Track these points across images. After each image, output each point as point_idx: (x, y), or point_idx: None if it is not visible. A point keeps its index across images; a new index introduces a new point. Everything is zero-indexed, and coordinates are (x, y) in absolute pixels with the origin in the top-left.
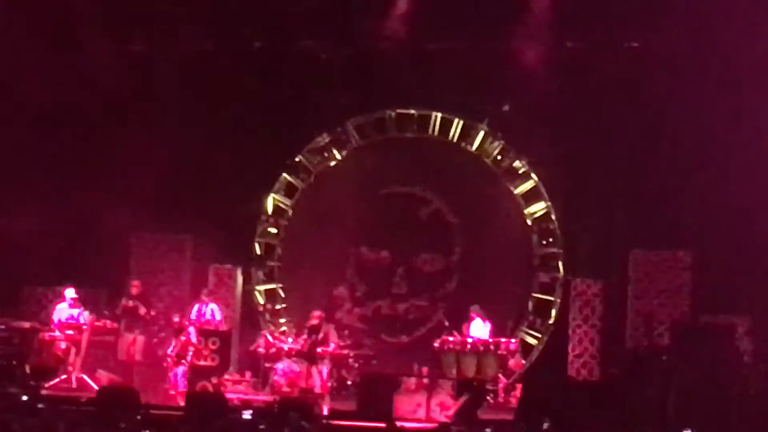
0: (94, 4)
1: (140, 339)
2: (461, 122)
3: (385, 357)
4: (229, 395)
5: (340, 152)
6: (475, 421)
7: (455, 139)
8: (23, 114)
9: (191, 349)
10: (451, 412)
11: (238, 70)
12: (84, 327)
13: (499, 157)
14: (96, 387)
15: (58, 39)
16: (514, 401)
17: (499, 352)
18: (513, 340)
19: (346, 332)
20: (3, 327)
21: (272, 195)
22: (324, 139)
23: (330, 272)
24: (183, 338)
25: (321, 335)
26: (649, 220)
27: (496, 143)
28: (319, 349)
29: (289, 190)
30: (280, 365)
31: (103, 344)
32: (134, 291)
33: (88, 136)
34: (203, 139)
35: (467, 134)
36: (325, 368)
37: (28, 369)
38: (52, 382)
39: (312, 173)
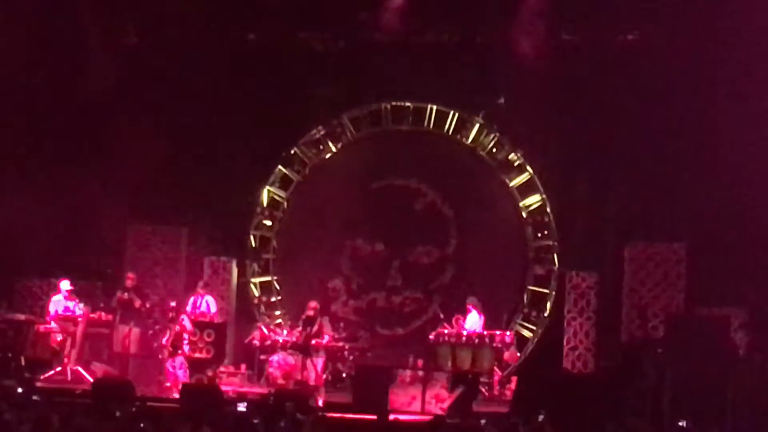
0: None
1: (135, 331)
2: (456, 115)
3: (380, 349)
4: (224, 387)
5: (335, 145)
6: (470, 414)
7: (450, 132)
8: (18, 106)
9: (186, 336)
10: (446, 405)
11: (233, 62)
12: (79, 319)
13: (494, 150)
14: (91, 379)
15: (53, 32)
16: (509, 394)
17: (494, 344)
18: (508, 333)
19: (341, 325)
20: None
21: (267, 187)
22: (319, 131)
23: (325, 265)
24: (177, 327)
25: (316, 327)
26: (644, 212)
27: (491, 136)
28: (314, 342)
29: (284, 183)
30: (275, 357)
31: (98, 336)
32: (129, 283)
33: (84, 128)
34: (198, 132)
35: (462, 127)
36: (320, 360)
37: (23, 361)
38: (47, 375)
39: (307, 166)
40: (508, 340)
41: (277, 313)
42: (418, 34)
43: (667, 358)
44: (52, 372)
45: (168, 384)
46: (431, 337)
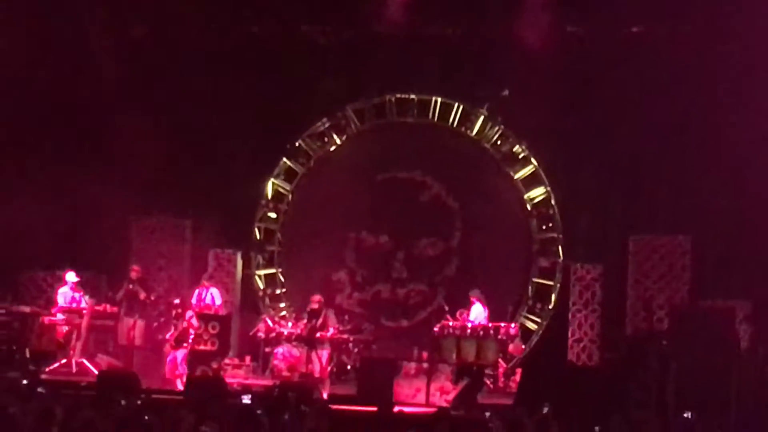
0: None
1: (140, 323)
2: (461, 107)
3: (385, 341)
4: (228, 379)
5: (339, 137)
6: (474, 406)
7: (455, 124)
8: (21, 99)
9: (192, 331)
10: (450, 397)
11: (236, 55)
12: (84, 311)
13: (498, 142)
14: (96, 371)
15: (57, 24)
16: (513, 386)
17: (499, 336)
18: (513, 325)
19: (346, 317)
20: (3, 311)
21: (272, 180)
22: (324, 124)
23: (329, 257)
24: (184, 324)
25: (321, 320)
26: (648, 204)
27: (495, 128)
28: (318, 334)
29: (289, 175)
30: (279, 350)
31: (103, 329)
32: (134, 275)
33: (88, 121)
34: (203, 124)
35: (467, 119)
36: (324, 353)
37: (27, 353)
38: (52, 367)
39: (312, 158)
40: (512, 332)
41: (282, 305)
42: (423, 26)
43: (672, 350)
44: (57, 364)
45: (169, 376)
46: (436, 329)
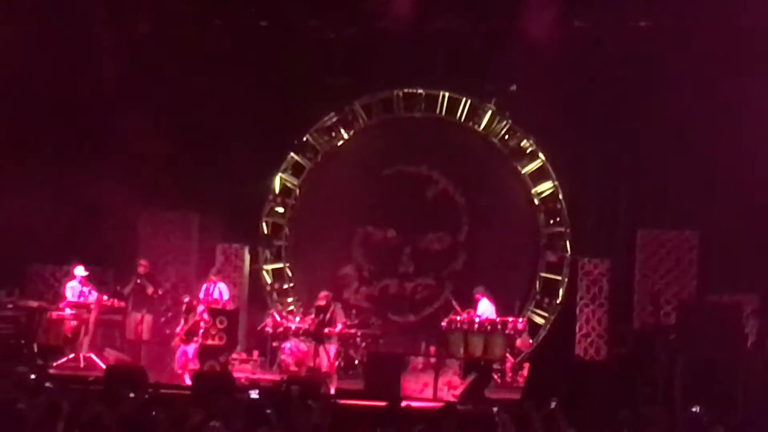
0: None
1: (148, 318)
2: (468, 102)
3: (393, 336)
4: (236, 374)
5: (347, 132)
6: (482, 400)
7: (462, 119)
8: (27, 98)
9: (202, 325)
10: (458, 392)
11: (244, 50)
12: (92, 306)
13: (506, 137)
14: (104, 366)
15: (60, 23)
16: (521, 380)
17: (507, 331)
18: (520, 320)
19: (354, 312)
20: (11, 306)
21: (279, 174)
22: (331, 118)
23: (337, 251)
24: (197, 318)
25: (328, 315)
26: (656, 199)
27: (503, 123)
28: (326, 329)
29: (297, 170)
30: (287, 344)
31: (110, 323)
32: (142, 270)
33: (95, 114)
34: (210, 118)
35: (474, 114)
36: (332, 347)
37: (35, 348)
38: (60, 361)
39: (319, 153)
40: (520, 326)
41: (290, 299)
42: (430, 20)
43: (679, 344)
44: (64, 359)
45: (179, 371)
46: (443, 323)
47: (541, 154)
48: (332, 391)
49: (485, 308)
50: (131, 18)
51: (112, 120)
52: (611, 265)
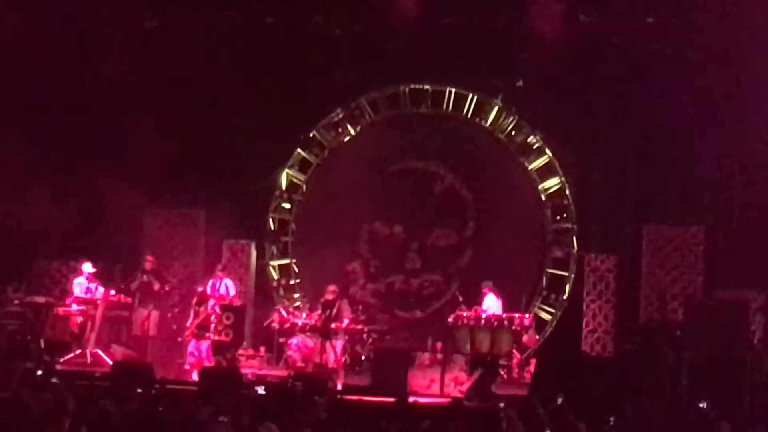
0: None
1: (154, 314)
2: (475, 97)
3: (399, 332)
4: (243, 370)
5: (353, 128)
6: (489, 396)
7: (469, 115)
8: (35, 90)
9: (213, 318)
10: (465, 387)
11: (251, 45)
12: (98, 302)
13: (512, 133)
14: (110, 362)
15: (69, 17)
16: (527, 376)
17: (513, 327)
18: (527, 316)
19: (360, 307)
20: (17, 302)
21: (286, 170)
22: (338, 114)
23: (343, 247)
24: (208, 311)
25: (335, 310)
26: (662, 195)
27: (510, 119)
28: (332, 325)
29: (303, 166)
30: (294, 340)
31: (117, 319)
32: (148, 266)
33: (102, 110)
34: (217, 114)
35: (481, 110)
36: (339, 343)
37: (42, 344)
38: (66, 357)
39: (326, 149)
40: (527, 322)
41: (296, 295)
42: (437, 16)
43: (686, 340)
44: (71, 355)
45: (187, 367)
46: (450, 319)
47: (547, 150)
48: (339, 387)
49: (491, 303)
50: (137, 14)
51: (119, 116)
52: (618, 261)
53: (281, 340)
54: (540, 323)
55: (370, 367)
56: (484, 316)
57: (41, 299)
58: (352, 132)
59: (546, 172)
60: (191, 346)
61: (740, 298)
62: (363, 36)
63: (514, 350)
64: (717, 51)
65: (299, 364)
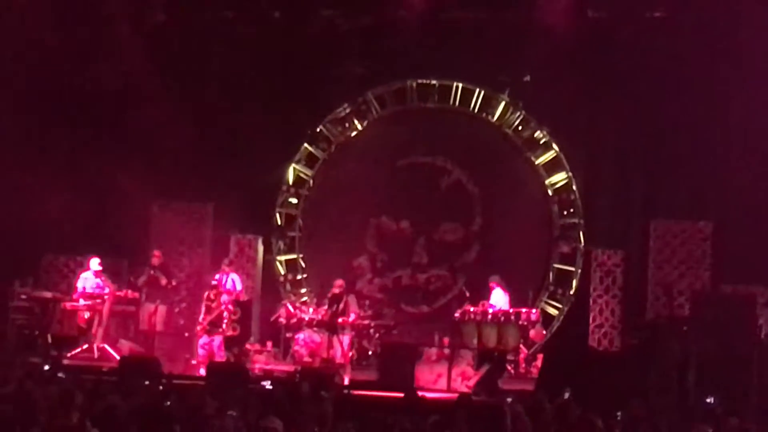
0: None
1: (161, 309)
2: (482, 92)
3: (406, 327)
4: (249, 365)
5: (360, 122)
6: (496, 391)
7: (476, 110)
8: (44, 84)
9: (225, 315)
10: (472, 382)
11: (258, 40)
12: (106, 297)
13: (519, 128)
14: (118, 357)
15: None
16: (534, 371)
17: (520, 322)
18: (534, 311)
19: (367, 302)
20: (25, 297)
21: (293, 165)
22: (345, 109)
23: (350, 242)
24: (221, 308)
25: (341, 305)
26: (669, 190)
27: (517, 113)
28: (339, 319)
29: (310, 161)
30: (300, 335)
31: (124, 314)
32: (155, 261)
33: (110, 105)
34: (224, 110)
35: (488, 104)
36: (346, 338)
37: (49, 339)
38: (73, 352)
39: (333, 143)
40: (533, 317)
41: (303, 290)
42: (444, 11)
43: (693, 335)
44: (78, 349)
45: (194, 362)
46: (457, 314)
47: (554, 145)
48: (346, 382)
49: (498, 298)
50: (147, 8)
51: (127, 110)
52: (625, 256)
53: (288, 335)
54: (547, 318)
55: (377, 362)
56: (491, 311)
57: (48, 294)
58: (359, 127)
59: (553, 167)
60: (202, 341)
61: (747, 293)
62: (370, 31)
63: (521, 345)
64: (725, 46)
65: (306, 359)
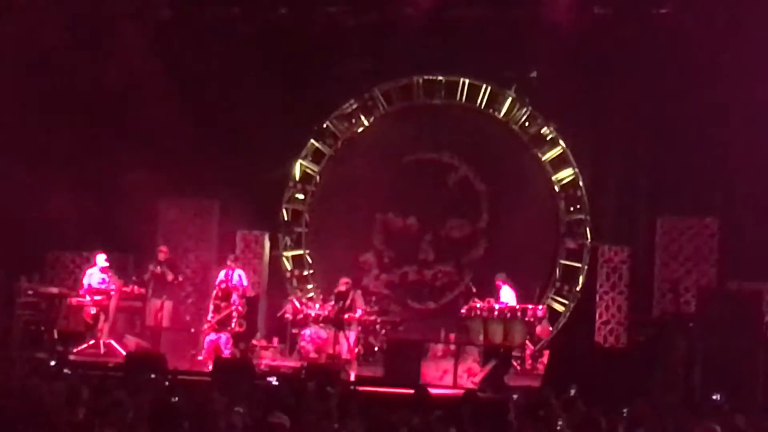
0: None
1: (168, 304)
2: (489, 88)
3: (412, 323)
4: (256, 361)
5: (367, 118)
6: (502, 388)
7: (482, 106)
8: (50, 79)
9: (235, 314)
10: (478, 379)
11: (264, 36)
12: (112, 293)
13: (526, 124)
14: (124, 352)
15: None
16: (541, 368)
17: (527, 318)
18: (540, 307)
19: (373, 298)
20: (31, 292)
21: (300, 161)
22: (351, 105)
23: (357, 238)
24: (231, 307)
25: (348, 301)
26: (676, 186)
27: (523, 110)
28: (346, 315)
29: (317, 157)
30: (307, 331)
31: (130, 310)
32: (162, 257)
33: (116, 100)
34: (231, 105)
35: (494, 100)
36: (352, 334)
37: (55, 334)
38: (80, 348)
39: (339, 139)
40: (540, 314)
41: (309, 286)
42: (450, 7)
43: (699, 332)
44: (84, 345)
45: (200, 358)
46: (463, 310)
47: (561, 141)
48: (352, 378)
49: (507, 295)
50: (152, 5)
51: (133, 106)
52: (631, 252)
53: (294, 331)
54: (553, 314)
55: (383, 358)
56: (497, 307)
57: (55, 290)
58: (366, 123)
59: (559, 163)
60: (209, 338)
61: (754, 290)
62: (376, 26)
63: (527, 341)
64: (731, 42)
65: (312, 355)
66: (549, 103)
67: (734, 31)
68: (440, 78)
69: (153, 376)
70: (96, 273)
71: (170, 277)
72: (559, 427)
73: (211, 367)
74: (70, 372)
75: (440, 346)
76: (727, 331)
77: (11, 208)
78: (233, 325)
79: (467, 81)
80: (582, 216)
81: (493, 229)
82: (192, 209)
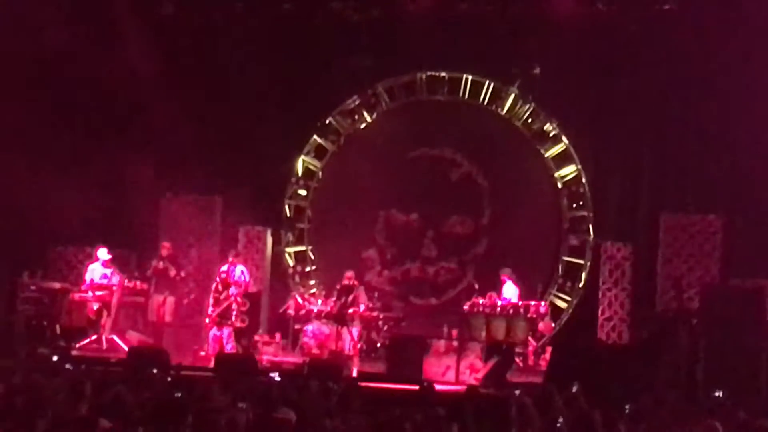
0: None
1: (170, 300)
2: (492, 85)
3: (415, 319)
4: (258, 357)
5: (370, 115)
6: (504, 384)
7: (485, 102)
8: (53, 76)
9: (234, 307)
10: (480, 375)
11: (267, 32)
12: (114, 288)
13: (529, 120)
14: (126, 348)
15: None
16: (543, 364)
17: (529, 315)
18: (543, 303)
19: (376, 295)
20: (33, 287)
21: (302, 157)
22: (354, 101)
23: (359, 234)
24: (230, 300)
25: (351, 296)
26: (679, 183)
27: (526, 106)
28: (350, 311)
29: (319, 153)
30: (309, 327)
31: (133, 305)
32: (164, 252)
33: (119, 96)
34: (233, 101)
35: (498, 97)
36: (354, 330)
37: (58, 330)
38: (82, 343)
39: (342, 135)
40: (542, 310)
41: (312, 282)
42: (454, 3)
43: (702, 329)
44: (87, 340)
45: (202, 353)
46: (465, 307)
47: (564, 138)
48: (354, 374)
49: (510, 291)
50: (155, 1)
51: (136, 102)
52: (634, 249)
53: (297, 326)
54: (556, 311)
55: (386, 355)
56: (499, 303)
57: (57, 285)
58: (369, 119)
59: (562, 159)
60: (212, 333)
61: (756, 287)
62: (380, 23)
63: (529, 338)
64: (735, 38)
65: (315, 350)
66: (552, 99)
67: (738, 27)
68: (443, 74)
69: (155, 371)
70: (98, 268)
71: (173, 272)
72: (559, 424)
73: (213, 363)
74: (72, 367)
75: (443, 343)
76: (730, 328)
77: (14, 203)
78: (233, 318)
79: (470, 77)
80: (585, 213)
81: (496, 225)
82: (194, 205)
